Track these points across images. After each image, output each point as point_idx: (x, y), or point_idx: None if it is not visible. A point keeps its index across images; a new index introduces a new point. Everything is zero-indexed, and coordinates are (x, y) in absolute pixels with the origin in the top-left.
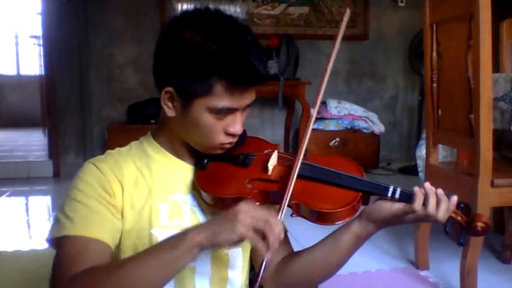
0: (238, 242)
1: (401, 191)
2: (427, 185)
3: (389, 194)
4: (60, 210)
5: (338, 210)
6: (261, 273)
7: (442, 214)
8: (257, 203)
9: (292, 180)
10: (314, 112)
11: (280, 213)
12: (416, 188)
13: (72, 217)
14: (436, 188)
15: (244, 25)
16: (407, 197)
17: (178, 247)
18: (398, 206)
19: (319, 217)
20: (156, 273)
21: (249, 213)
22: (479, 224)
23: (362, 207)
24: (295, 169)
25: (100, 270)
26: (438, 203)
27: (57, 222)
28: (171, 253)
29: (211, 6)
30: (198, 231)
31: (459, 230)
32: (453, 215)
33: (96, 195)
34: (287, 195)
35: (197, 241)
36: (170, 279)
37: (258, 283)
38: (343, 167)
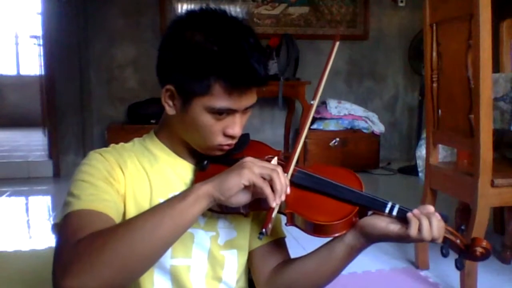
0: (247, 194)
1: (399, 209)
2: (416, 210)
3: (387, 210)
4: (67, 195)
5: (333, 223)
6: (269, 224)
7: (436, 231)
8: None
9: (295, 154)
10: (314, 103)
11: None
12: (409, 215)
13: (79, 195)
14: (424, 207)
15: (247, 27)
16: (405, 215)
17: (185, 198)
18: (393, 229)
19: (313, 229)
20: (164, 227)
21: (255, 163)
22: (479, 249)
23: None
24: (298, 148)
25: (106, 229)
26: (430, 222)
27: (63, 206)
28: (179, 204)
29: (213, 6)
30: (205, 181)
31: (457, 253)
32: (451, 237)
33: (102, 177)
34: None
35: (205, 190)
36: (178, 235)
37: (264, 230)
38: (343, 178)
